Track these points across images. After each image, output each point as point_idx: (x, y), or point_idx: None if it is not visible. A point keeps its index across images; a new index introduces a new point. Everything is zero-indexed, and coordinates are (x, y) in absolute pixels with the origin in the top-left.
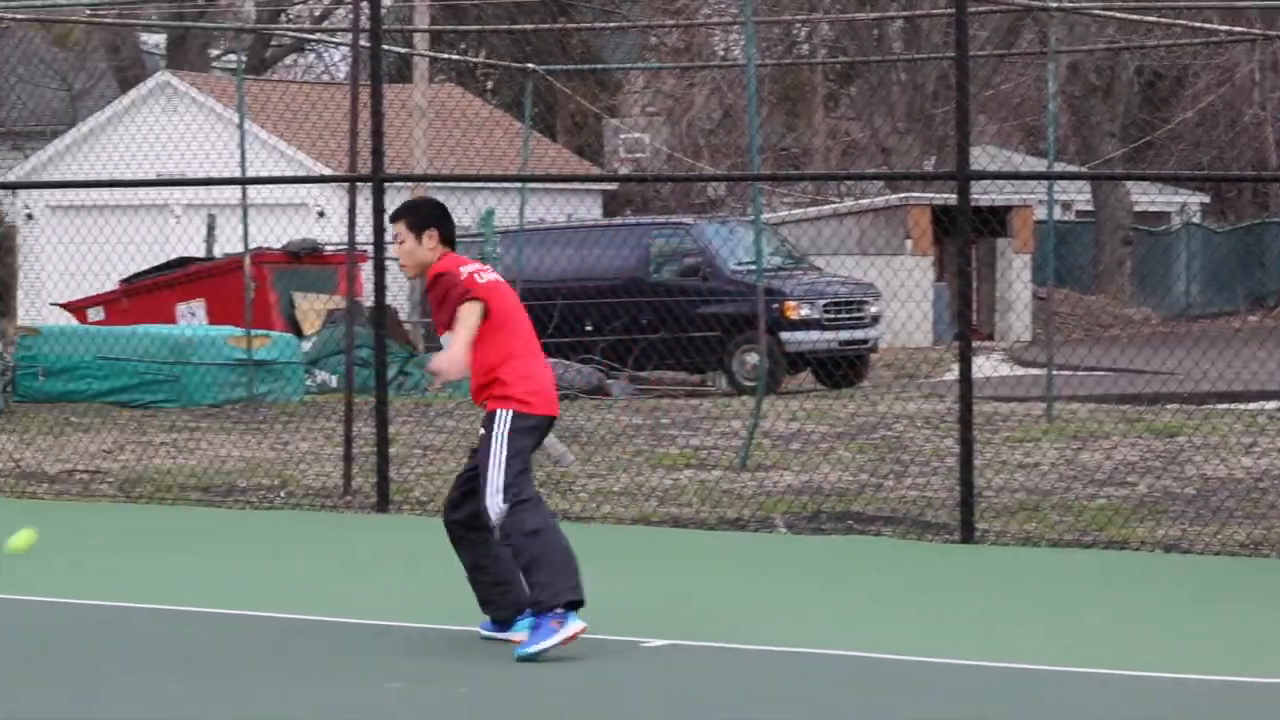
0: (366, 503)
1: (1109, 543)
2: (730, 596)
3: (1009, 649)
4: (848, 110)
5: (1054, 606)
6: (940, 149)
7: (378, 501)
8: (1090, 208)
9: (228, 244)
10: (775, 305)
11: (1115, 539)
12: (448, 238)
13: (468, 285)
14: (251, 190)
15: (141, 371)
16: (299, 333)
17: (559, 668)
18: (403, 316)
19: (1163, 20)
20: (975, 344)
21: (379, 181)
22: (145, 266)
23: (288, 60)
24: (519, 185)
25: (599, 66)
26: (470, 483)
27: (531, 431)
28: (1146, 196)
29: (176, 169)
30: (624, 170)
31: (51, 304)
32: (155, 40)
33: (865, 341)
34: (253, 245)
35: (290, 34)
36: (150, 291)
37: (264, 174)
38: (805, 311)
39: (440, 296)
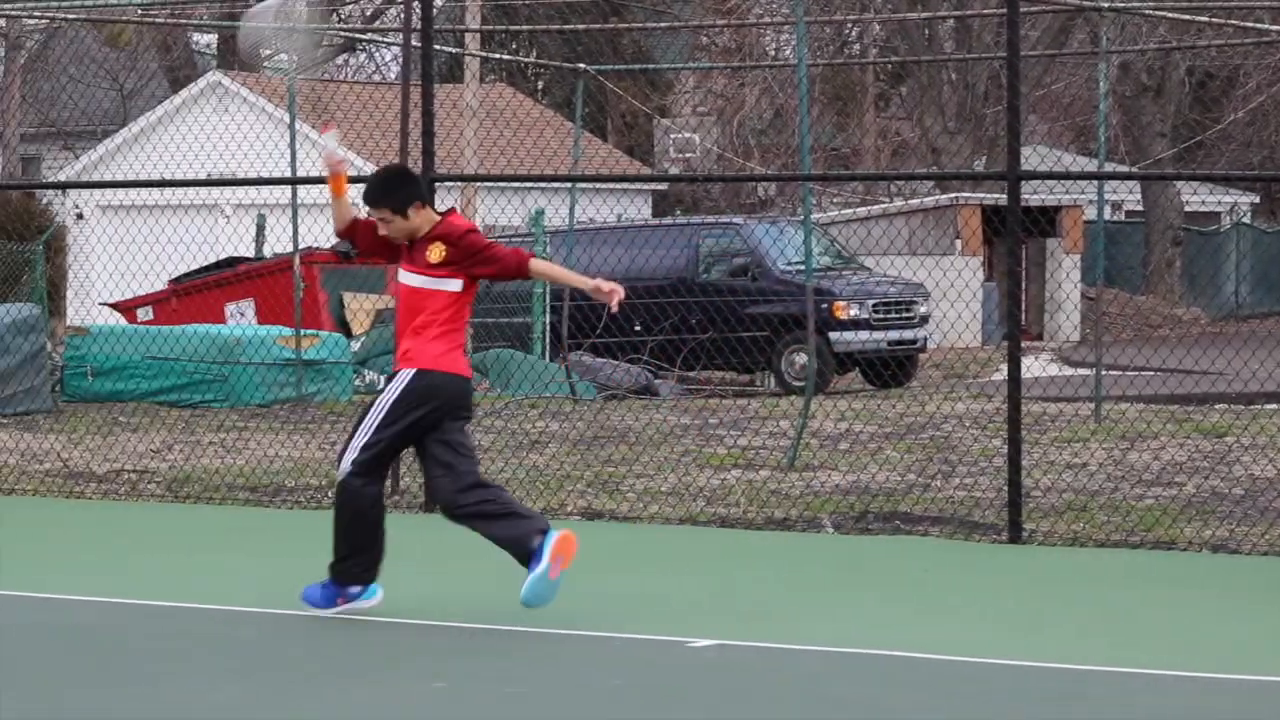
0: (414, 503)
1: (1156, 543)
2: (777, 596)
3: (1056, 649)
4: (898, 110)
5: (1101, 607)
6: (991, 149)
7: (425, 502)
8: (1140, 208)
9: (277, 244)
10: (824, 305)
11: (1163, 539)
12: (427, 200)
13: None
14: (301, 190)
15: (190, 371)
16: (348, 333)
17: (606, 667)
18: None
19: (1214, 20)
20: (1024, 344)
21: (429, 181)
22: (195, 266)
23: (339, 60)
24: (569, 185)
25: (650, 66)
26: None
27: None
28: (1197, 197)
29: (227, 169)
30: (674, 170)
31: (101, 304)
32: (206, 40)
33: (914, 341)
34: (302, 245)
35: (341, 34)
36: (199, 291)
37: (314, 174)
38: (854, 311)
39: (482, 252)
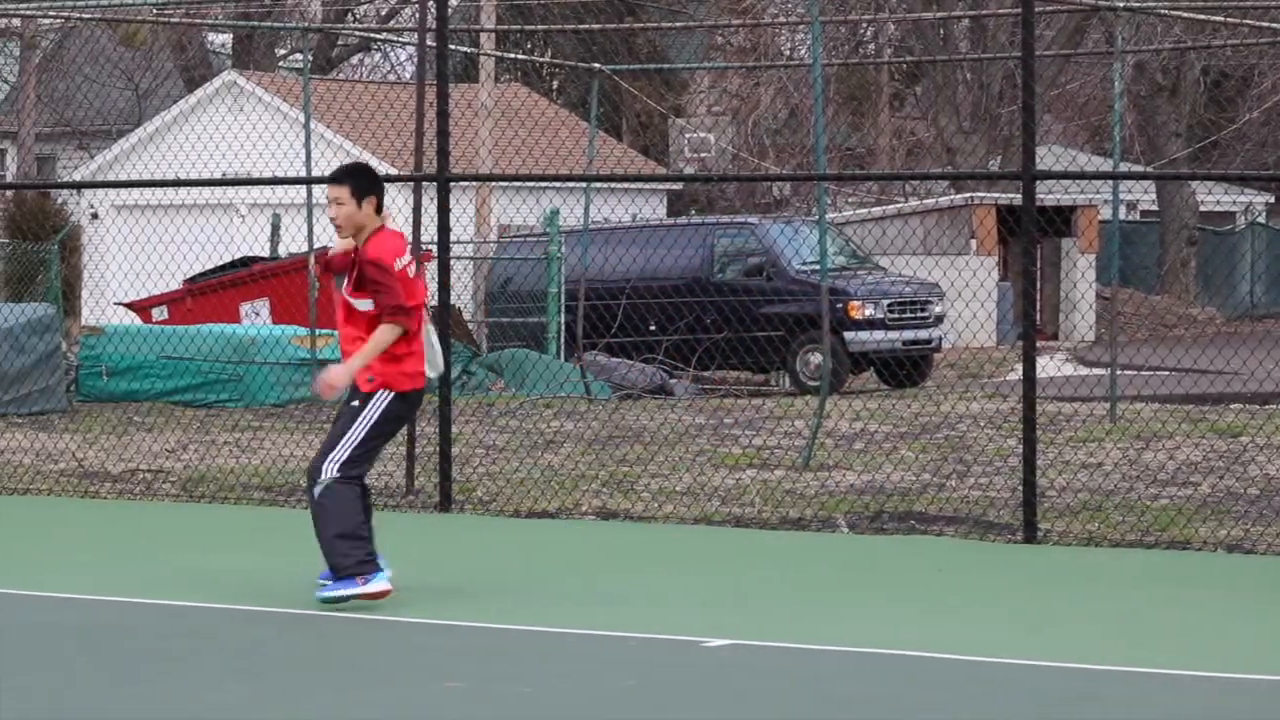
0: (429, 502)
1: (1171, 543)
2: (792, 596)
3: (1071, 649)
4: (913, 110)
5: (1116, 607)
6: (1005, 149)
7: (440, 501)
8: (1155, 208)
9: (292, 243)
10: (839, 305)
11: (1178, 539)
12: (381, 205)
13: (400, 299)
14: (316, 190)
15: (205, 371)
16: None
17: (620, 666)
18: (466, 316)
19: (1229, 20)
20: (1039, 344)
21: (444, 181)
22: (210, 266)
23: (354, 60)
24: (584, 185)
25: (665, 66)
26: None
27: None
28: (1212, 196)
29: (242, 168)
30: (689, 170)
31: (116, 303)
32: (221, 40)
33: (929, 341)
34: (317, 245)
35: (356, 33)
36: (214, 291)
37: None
38: (869, 311)
39: (376, 286)
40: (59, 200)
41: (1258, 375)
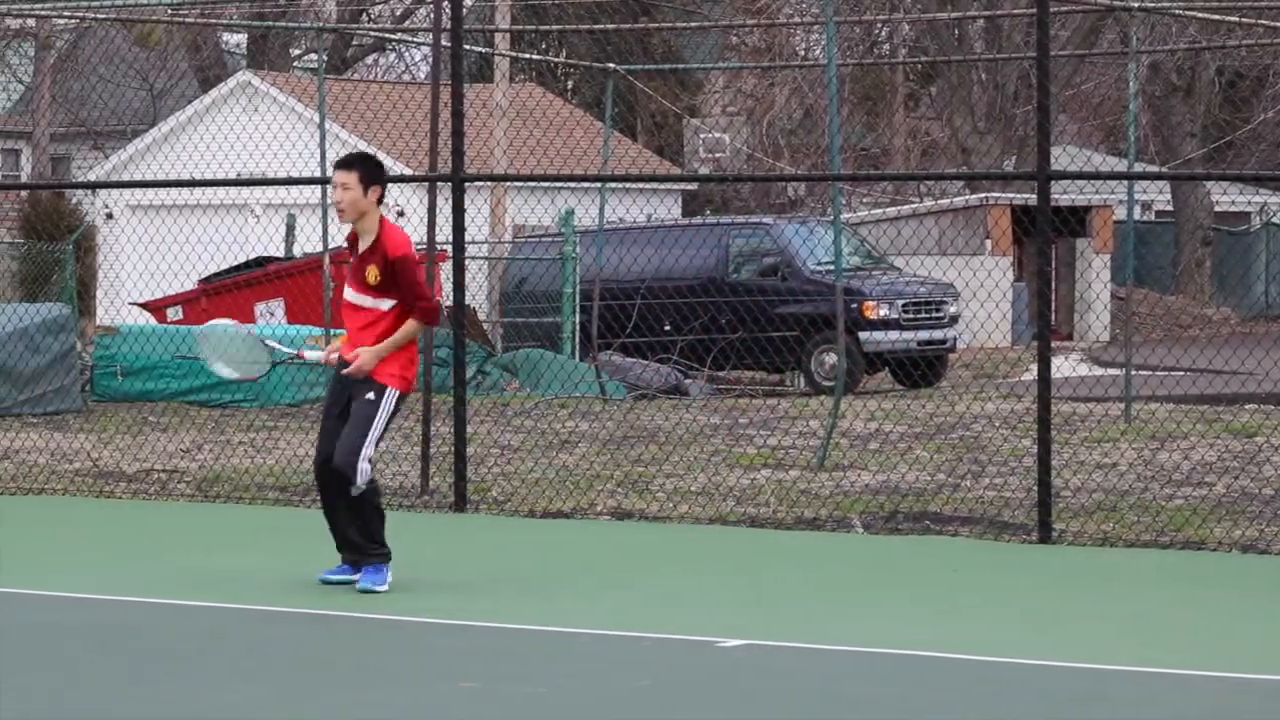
0: (444, 502)
1: (1186, 543)
2: (806, 596)
3: (1085, 649)
4: (928, 110)
5: (1131, 607)
6: (1020, 149)
7: (455, 501)
8: (1170, 208)
9: (307, 244)
10: (854, 305)
11: (1193, 539)
12: (383, 197)
13: (429, 295)
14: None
15: None
16: None
17: (635, 667)
18: (481, 316)
19: (1244, 20)
20: (1054, 344)
21: (459, 181)
22: (224, 266)
23: (368, 60)
24: (599, 185)
25: (680, 66)
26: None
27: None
28: (1227, 197)
29: (256, 168)
30: (704, 170)
31: (130, 303)
32: (236, 40)
33: (944, 341)
34: (332, 245)
35: (371, 34)
36: (229, 291)
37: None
38: (884, 311)
39: (410, 280)
40: (74, 200)
41: (1273, 375)
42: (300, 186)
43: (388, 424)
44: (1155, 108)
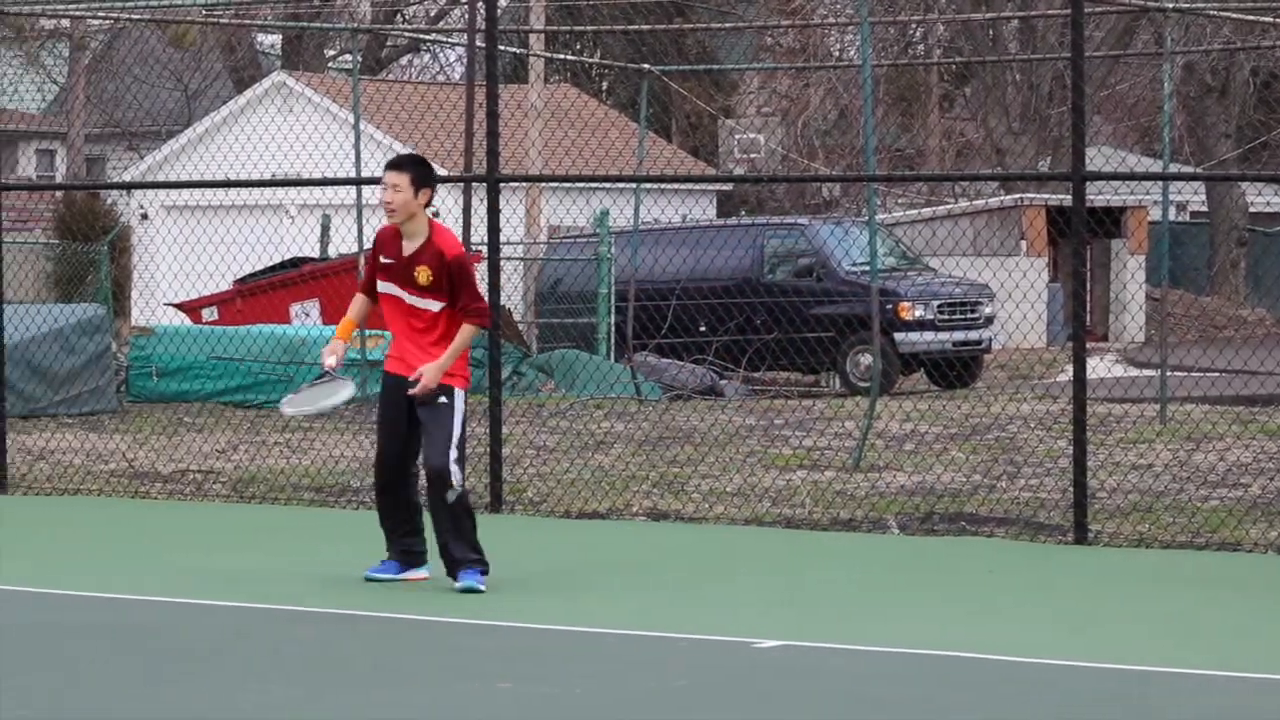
0: (480, 503)
1: (1222, 544)
2: (842, 597)
3: (1121, 650)
4: (963, 111)
5: (1166, 608)
6: (1055, 150)
7: (491, 502)
8: (1205, 209)
9: (342, 244)
10: (889, 306)
11: (1228, 541)
12: (432, 200)
13: (482, 298)
14: (366, 190)
15: (255, 371)
16: None
17: (672, 667)
18: (516, 317)
19: (1279, 20)
20: (1089, 345)
21: (494, 182)
22: (260, 267)
23: (403, 60)
24: (634, 186)
25: (714, 67)
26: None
27: None
28: (1261, 198)
29: (291, 169)
30: (739, 171)
31: (166, 304)
32: (271, 40)
33: (979, 342)
34: (367, 245)
35: (406, 34)
36: (264, 291)
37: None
38: (919, 312)
39: (466, 280)
40: (109, 201)
41: None
42: (335, 187)
43: (464, 423)
44: (1190, 108)
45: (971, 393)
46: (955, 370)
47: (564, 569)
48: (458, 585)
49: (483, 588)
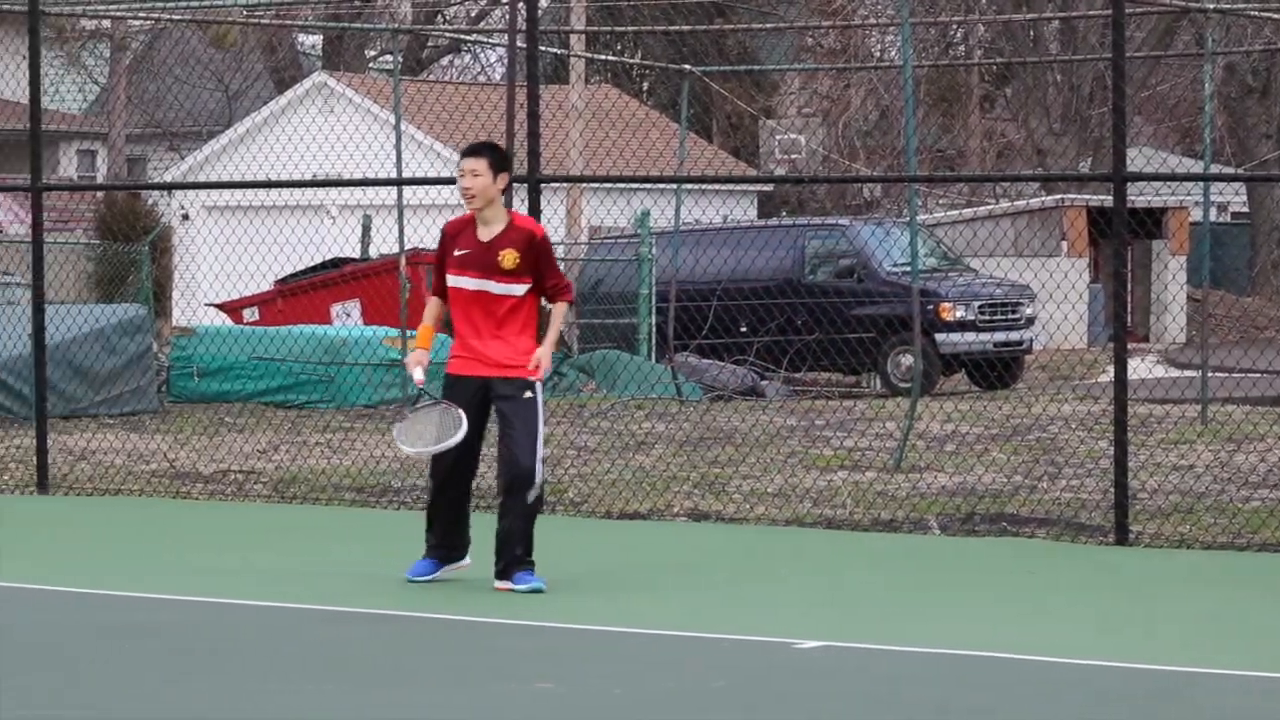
0: None
1: (1263, 545)
2: (883, 598)
3: (1162, 651)
4: (1003, 111)
5: (1207, 609)
6: (1096, 150)
7: None
8: (1246, 209)
9: (383, 245)
10: (930, 307)
11: (1270, 541)
12: (509, 186)
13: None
14: (407, 191)
15: (296, 372)
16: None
17: (712, 667)
18: None
19: None
20: (1130, 346)
21: (535, 182)
22: (300, 267)
23: (444, 61)
24: (675, 186)
25: (755, 67)
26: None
27: None
28: None
29: (332, 170)
30: (780, 171)
31: (206, 304)
32: (312, 41)
33: (1020, 343)
34: (408, 246)
35: (447, 35)
36: (305, 292)
37: (419, 175)
38: (960, 313)
39: (552, 259)
40: (150, 201)
41: None
42: (376, 188)
43: (543, 422)
44: (1231, 109)
45: (1012, 393)
46: (996, 371)
47: (605, 569)
48: (521, 587)
49: (546, 588)
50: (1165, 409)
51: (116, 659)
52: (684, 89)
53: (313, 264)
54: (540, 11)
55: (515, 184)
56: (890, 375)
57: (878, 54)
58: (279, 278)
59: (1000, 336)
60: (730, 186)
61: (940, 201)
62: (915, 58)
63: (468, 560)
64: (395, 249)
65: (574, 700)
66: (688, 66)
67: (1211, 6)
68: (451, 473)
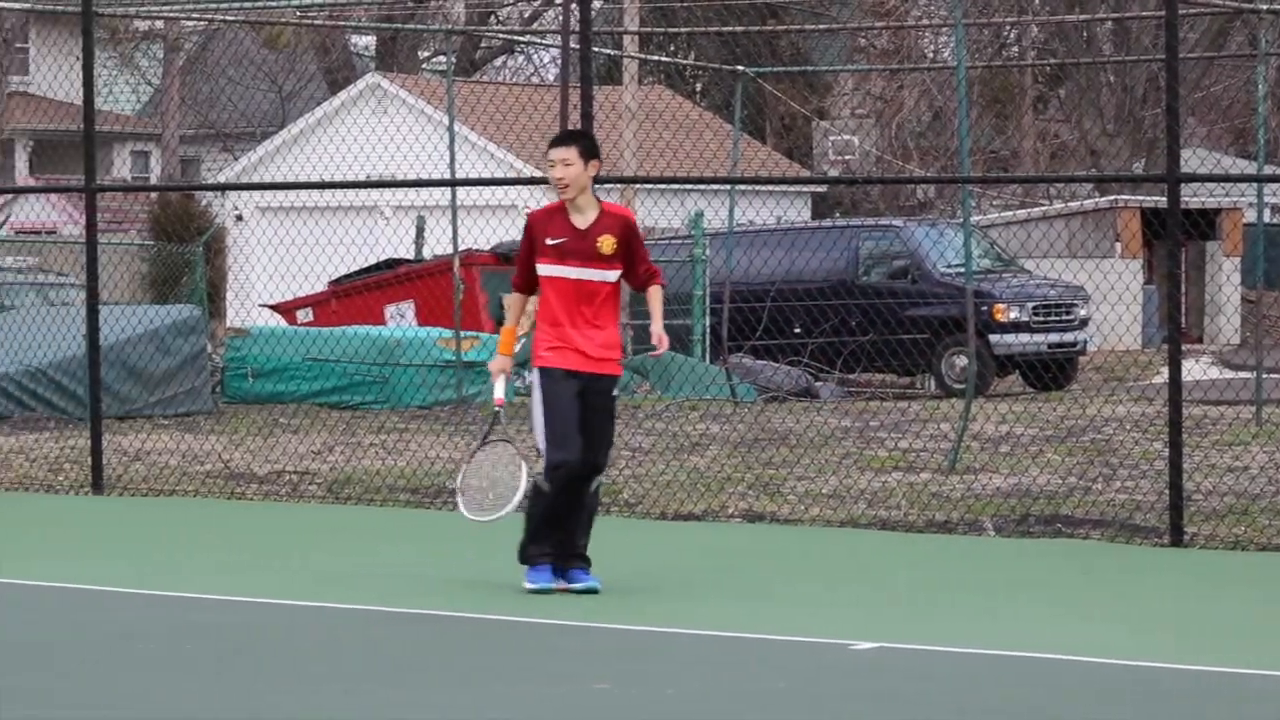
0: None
1: None
2: (938, 599)
3: (1216, 652)
4: (1057, 112)
5: (1262, 610)
6: (1150, 151)
7: None
8: None
9: (437, 245)
10: (984, 308)
11: None
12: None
13: None
14: (461, 192)
15: (350, 373)
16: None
17: (767, 669)
18: None
19: None
20: (1184, 347)
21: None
22: (354, 268)
23: (497, 62)
24: (728, 187)
25: (808, 69)
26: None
27: None
28: None
29: (386, 170)
30: (833, 172)
31: (260, 305)
32: (365, 42)
33: (1074, 344)
34: (462, 247)
35: (500, 36)
36: (359, 293)
37: (473, 175)
38: (1014, 314)
39: (642, 246)
40: (203, 202)
41: None
42: (430, 188)
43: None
44: None
45: (1067, 395)
46: (1050, 372)
47: (659, 571)
48: (576, 586)
49: (600, 587)
50: (1220, 410)
51: (172, 659)
52: (737, 90)
53: (367, 265)
54: (593, 12)
55: None
56: (944, 376)
57: (931, 55)
58: (333, 279)
59: (1054, 338)
60: (784, 188)
61: (994, 203)
62: (969, 58)
63: (598, 583)
64: (449, 250)
65: (631, 701)
66: (741, 67)
67: (1265, 8)
68: (576, 469)
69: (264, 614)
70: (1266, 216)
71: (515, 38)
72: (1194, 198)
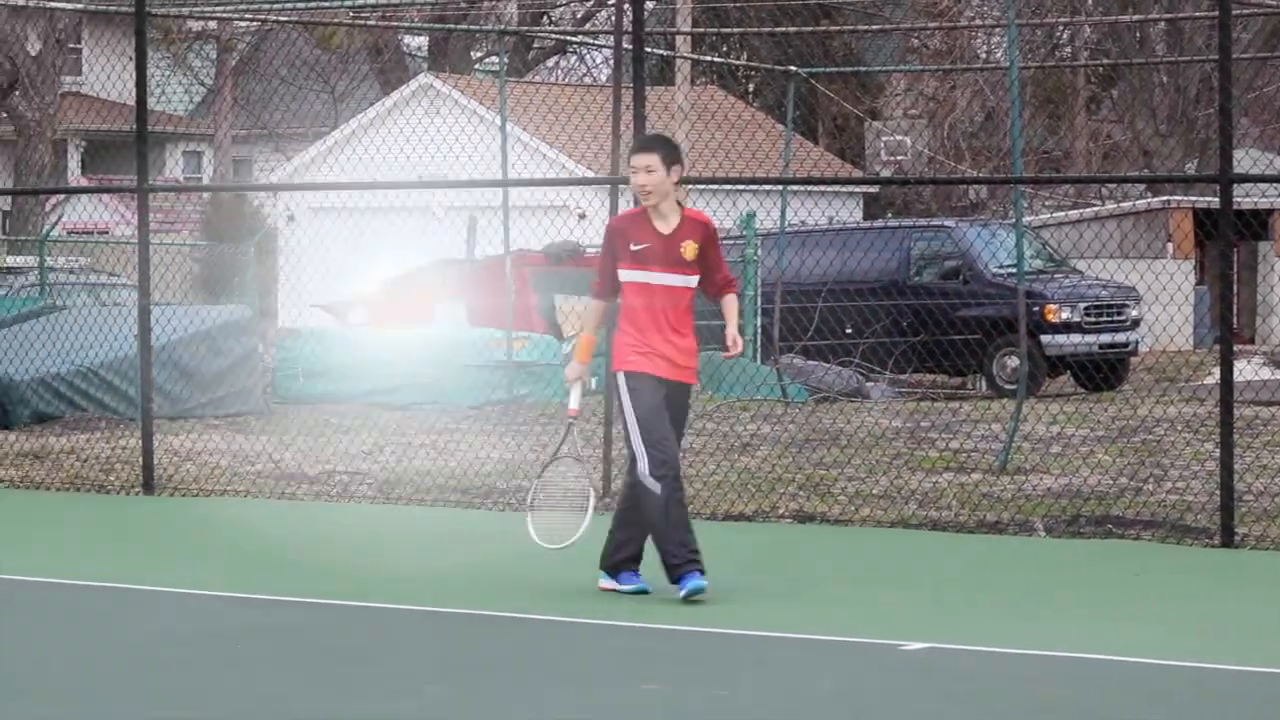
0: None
1: None
2: (989, 599)
3: (1268, 654)
4: (1109, 113)
5: None
6: (1202, 152)
7: None
8: None
9: (488, 246)
10: (1036, 308)
11: None
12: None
13: None
14: (513, 192)
15: (401, 373)
16: (560, 335)
17: (818, 669)
18: None
19: None
20: (1236, 347)
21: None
22: (406, 268)
23: (549, 63)
24: (780, 188)
25: (861, 69)
26: None
27: None
28: None
29: (438, 171)
30: (885, 173)
31: (312, 305)
32: (417, 43)
33: (1126, 345)
34: (513, 247)
35: (552, 36)
36: (411, 293)
37: (525, 176)
38: (1066, 314)
39: (720, 252)
40: (256, 202)
41: None
42: (481, 189)
43: None
44: None
45: (1118, 395)
46: (1102, 372)
47: (710, 571)
48: (626, 587)
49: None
50: (1271, 411)
51: (226, 660)
52: (789, 90)
53: (418, 265)
54: (646, 13)
55: (622, 186)
56: (996, 377)
57: (983, 55)
58: (384, 279)
59: (1106, 338)
60: (835, 188)
61: (1046, 203)
62: (1021, 59)
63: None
64: (501, 250)
65: (681, 702)
66: (793, 68)
67: None
68: (676, 470)
69: (314, 614)
70: None
71: (568, 38)
72: (1246, 198)
